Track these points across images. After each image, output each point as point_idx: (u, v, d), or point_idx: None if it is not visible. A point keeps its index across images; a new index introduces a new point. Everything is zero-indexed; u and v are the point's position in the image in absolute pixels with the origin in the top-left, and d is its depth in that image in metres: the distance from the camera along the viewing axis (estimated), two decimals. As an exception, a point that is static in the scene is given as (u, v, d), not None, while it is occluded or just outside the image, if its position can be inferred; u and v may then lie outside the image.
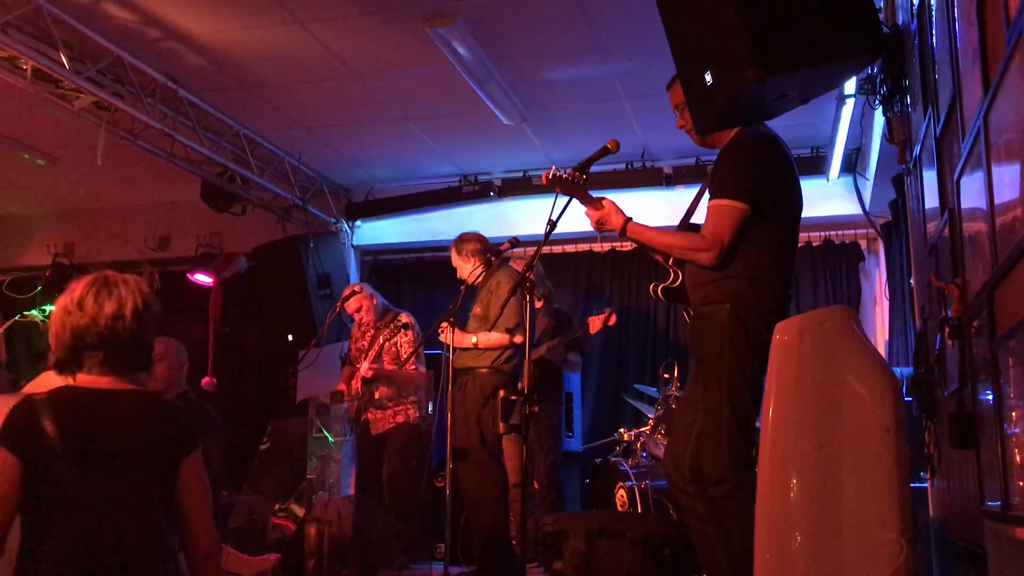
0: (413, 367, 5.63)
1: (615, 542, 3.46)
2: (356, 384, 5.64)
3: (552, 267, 7.25)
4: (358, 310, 5.83)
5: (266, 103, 6.22)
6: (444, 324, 4.67)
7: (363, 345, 5.79)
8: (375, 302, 5.86)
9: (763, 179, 3.08)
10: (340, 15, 5.03)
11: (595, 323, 5.81)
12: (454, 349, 4.73)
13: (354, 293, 5.85)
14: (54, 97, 5.40)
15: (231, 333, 7.89)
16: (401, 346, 5.65)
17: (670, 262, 3.34)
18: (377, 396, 5.63)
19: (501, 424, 3.83)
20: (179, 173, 6.69)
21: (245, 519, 5.87)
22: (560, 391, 6.10)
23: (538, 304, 5.96)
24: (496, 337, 4.90)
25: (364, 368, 5.56)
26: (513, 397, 3.68)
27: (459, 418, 4.82)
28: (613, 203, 3.28)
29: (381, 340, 5.60)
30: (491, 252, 4.98)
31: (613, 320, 5.83)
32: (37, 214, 8.58)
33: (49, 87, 5.31)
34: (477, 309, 5.07)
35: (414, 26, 5.05)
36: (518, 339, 4.91)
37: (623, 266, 7.42)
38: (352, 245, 7.96)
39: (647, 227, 3.24)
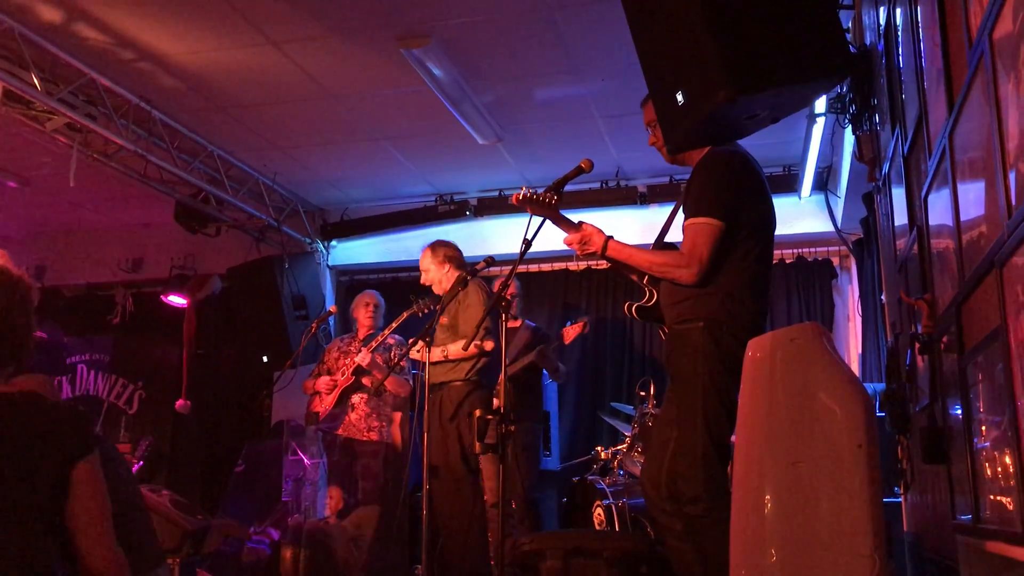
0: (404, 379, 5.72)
1: (592, 561, 3.45)
2: (345, 375, 5.66)
3: (528, 286, 7.26)
4: (368, 304, 5.86)
5: (240, 124, 6.21)
6: (420, 343, 4.66)
7: (349, 349, 5.80)
8: (381, 310, 5.92)
9: (736, 196, 3.10)
10: (314, 36, 5.03)
11: (569, 333, 5.78)
12: (428, 366, 4.73)
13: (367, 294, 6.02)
14: (25, 118, 5.37)
15: (205, 355, 7.83)
16: (394, 354, 5.74)
17: (644, 281, 3.35)
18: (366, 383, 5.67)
19: (477, 444, 3.81)
20: (152, 194, 6.66)
21: (220, 543, 5.81)
22: (539, 409, 6.05)
23: (516, 324, 5.95)
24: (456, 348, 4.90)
25: (362, 355, 5.54)
26: (488, 416, 3.67)
27: (434, 436, 4.80)
28: (592, 225, 3.29)
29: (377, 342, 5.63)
30: (467, 270, 4.99)
31: (587, 329, 5.83)
32: (8, 236, 8.49)
33: (21, 108, 5.28)
34: (444, 319, 5.07)
35: (389, 47, 5.07)
36: (487, 345, 4.90)
37: (599, 284, 7.44)
38: (328, 265, 7.94)
39: (627, 245, 3.25)
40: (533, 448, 5.88)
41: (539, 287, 7.52)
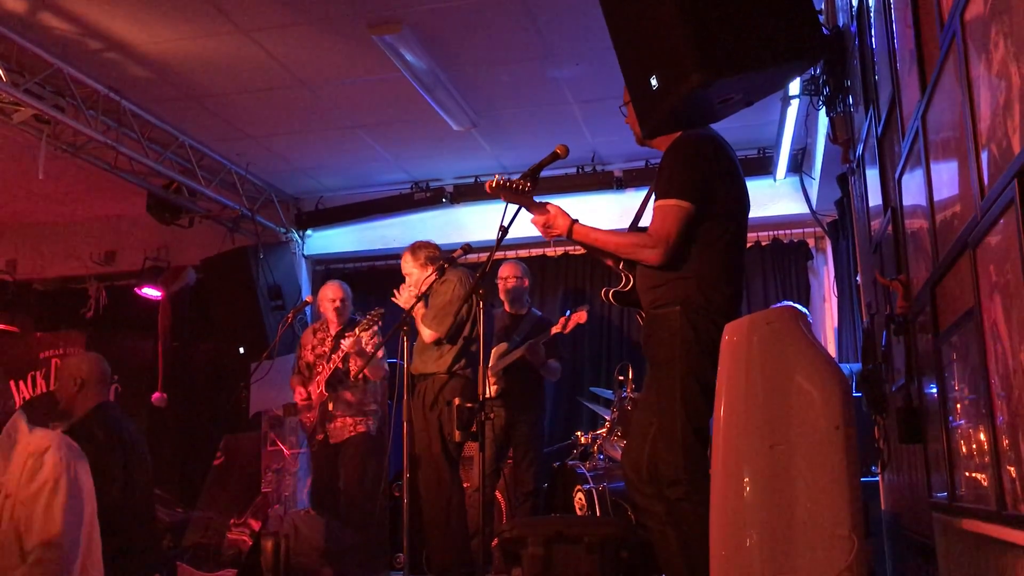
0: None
1: (573, 546, 3.46)
2: (319, 390, 5.58)
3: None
4: (333, 300, 5.74)
5: (212, 113, 6.14)
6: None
7: (324, 351, 5.73)
8: (348, 303, 5.80)
9: (707, 179, 3.11)
10: (285, 23, 4.98)
11: (569, 322, 5.63)
12: (411, 356, 4.72)
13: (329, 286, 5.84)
14: (-9, 111, 5.28)
15: (181, 347, 7.77)
16: (366, 342, 5.59)
17: (620, 266, 3.35)
18: (349, 384, 5.57)
19: (458, 433, 3.80)
20: (124, 186, 6.57)
21: (200, 535, 5.79)
22: (542, 397, 5.96)
23: (521, 312, 5.91)
24: (426, 332, 4.89)
25: (348, 343, 5.39)
26: (469, 405, 3.66)
27: (417, 425, 4.80)
28: (558, 207, 3.28)
29: (355, 333, 5.50)
30: (445, 259, 4.97)
31: (584, 318, 5.73)
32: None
33: (-14, 101, 5.19)
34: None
35: (361, 34, 5.02)
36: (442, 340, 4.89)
37: (576, 270, 7.44)
38: (303, 255, 7.89)
39: (593, 228, 3.25)
40: (540, 439, 5.81)
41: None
